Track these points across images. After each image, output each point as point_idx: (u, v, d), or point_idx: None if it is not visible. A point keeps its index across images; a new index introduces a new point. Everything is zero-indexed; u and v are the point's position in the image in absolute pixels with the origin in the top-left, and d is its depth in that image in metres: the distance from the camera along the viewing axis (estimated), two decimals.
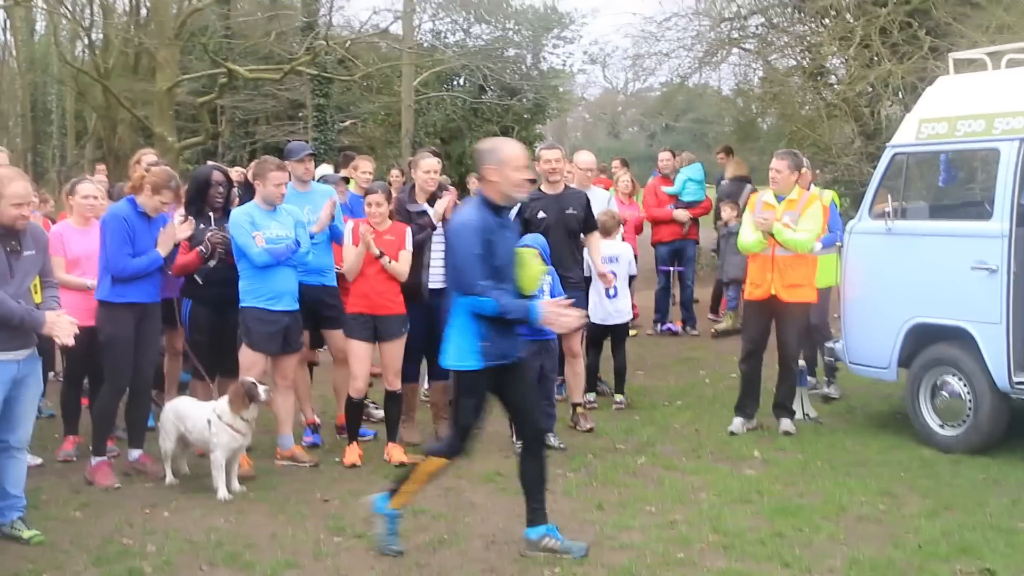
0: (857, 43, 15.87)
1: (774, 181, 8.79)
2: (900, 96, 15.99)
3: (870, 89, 16.32)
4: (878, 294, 8.60)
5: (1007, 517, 6.70)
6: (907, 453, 8.20)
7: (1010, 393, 7.88)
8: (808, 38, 18.51)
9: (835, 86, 17.97)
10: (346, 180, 9.81)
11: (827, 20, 17.95)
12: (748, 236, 8.75)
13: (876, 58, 15.63)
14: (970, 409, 8.09)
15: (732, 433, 8.81)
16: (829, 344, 9.36)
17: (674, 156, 14.61)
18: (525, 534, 6.23)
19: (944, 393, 8.26)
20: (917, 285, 8.30)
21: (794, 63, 19.48)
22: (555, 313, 5.94)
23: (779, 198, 8.74)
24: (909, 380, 8.51)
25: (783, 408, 8.94)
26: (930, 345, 8.35)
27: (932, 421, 8.35)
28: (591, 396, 9.74)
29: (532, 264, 6.18)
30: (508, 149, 6.03)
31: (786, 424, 8.84)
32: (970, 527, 6.53)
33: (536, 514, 6.22)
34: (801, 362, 9.13)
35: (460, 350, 5.98)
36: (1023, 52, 8.48)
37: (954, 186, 10.17)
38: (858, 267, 8.79)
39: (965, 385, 8.10)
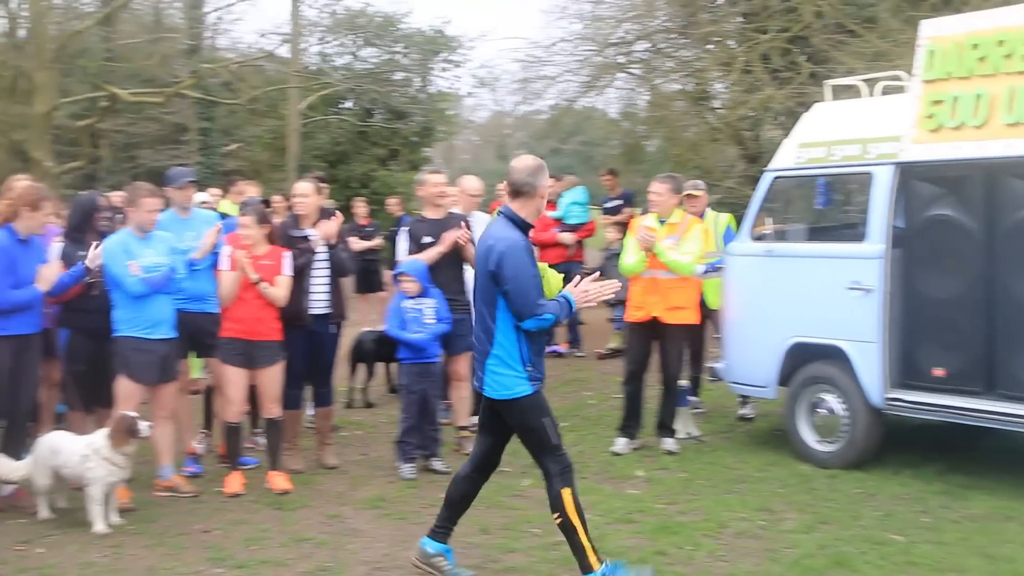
0: (739, 69, 16.19)
1: (654, 204, 8.92)
2: (780, 121, 16.36)
3: (752, 113, 16.65)
4: (758, 314, 8.77)
5: (880, 529, 6.88)
6: (786, 469, 8.37)
7: (884, 409, 8.09)
8: (692, 63, 18.83)
9: (718, 110, 18.30)
10: (266, 203, 9.67)
11: (710, 46, 18.28)
12: (630, 258, 8.86)
13: (757, 83, 15.95)
14: (846, 425, 8.27)
15: (615, 453, 8.88)
16: (710, 364, 9.50)
17: (556, 180, 14.71)
18: (422, 543, 6.22)
19: (821, 410, 8.45)
20: (796, 305, 8.49)
21: (679, 87, 19.79)
22: (585, 293, 5.90)
23: (661, 221, 8.87)
24: (788, 398, 8.69)
25: (665, 428, 9.05)
26: (808, 364, 8.54)
27: (810, 437, 8.53)
28: (476, 419, 9.70)
29: (550, 276, 6.07)
30: (546, 171, 6.05)
31: (668, 443, 8.96)
32: (845, 540, 6.70)
33: (443, 532, 6.21)
34: (683, 382, 9.25)
35: (507, 378, 5.83)
36: (897, 80, 8.72)
37: (831, 209, 10.41)
38: (739, 288, 8.95)
39: (842, 402, 8.29)
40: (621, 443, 8.98)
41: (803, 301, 8.43)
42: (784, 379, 8.68)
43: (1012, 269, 7.51)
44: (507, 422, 6.01)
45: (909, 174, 7.98)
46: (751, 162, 17.25)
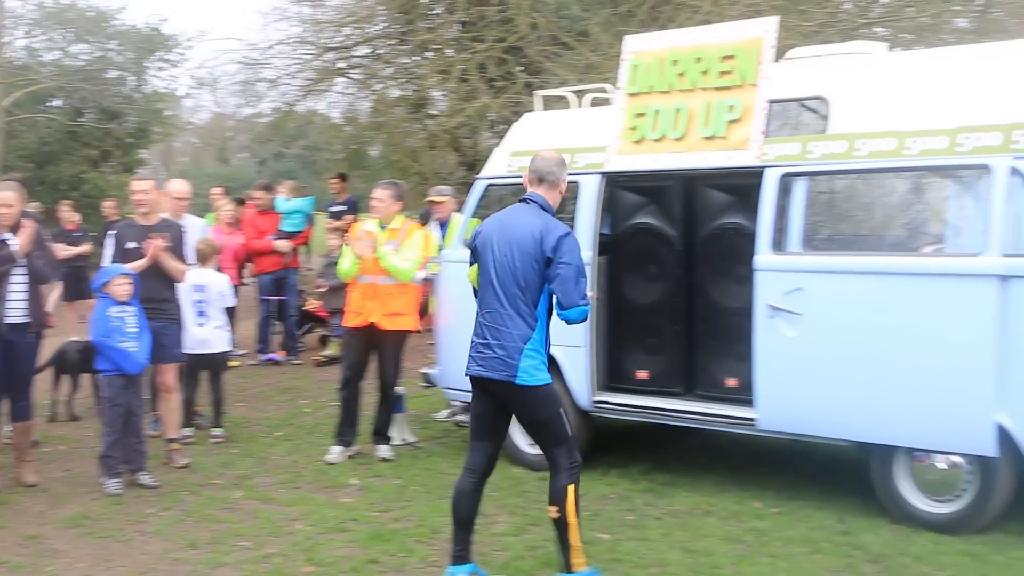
0: (456, 77, 16.37)
1: (376, 210, 8.92)
2: (498, 129, 16.63)
3: (469, 121, 16.85)
4: (470, 320, 8.82)
5: (588, 529, 6.99)
6: (499, 473, 8.34)
7: (592, 412, 8.33)
8: (412, 70, 18.90)
9: (437, 117, 18.44)
10: None
11: (429, 53, 18.40)
12: (347, 262, 8.82)
13: (474, 92, 16.15)
14: None
15: (328, 463, 8.81)
16: (424, 370, 9.54)
17: (268, 190, 14.48)
18: (448, 573, 6.08)
19: None
20: None
21: (399, 93, 19.83)
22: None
23: (382, 227, 8.87)
24: None
25: (381, 435, 9.04)
26: None
27: (521, 441, 8.66)
28: (187, 431, 9.46)
29: None
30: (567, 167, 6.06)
31: (384, 450, 8.95)
32: (554, 541, 6.79)
33: (464, 552, 6.09)
34: (400, 388, 9.26)
35: (541, 365, 5.81)
36: (604, 92, 9.00)
37: None
38: (452, 294, 9.02)
39: None
40: (335, 452, 8.92)
41: None
42: None
43: (709, 276, 7.89)
44: (519, 412, 5.95)
45: (614, 183, 8.26)
46: (469, 169, 17.45)
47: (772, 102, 7.48)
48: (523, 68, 16.24)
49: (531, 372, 5.77)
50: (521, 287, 5.79)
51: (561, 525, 5.84)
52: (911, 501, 6.96)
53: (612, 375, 8.36)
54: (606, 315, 8.32)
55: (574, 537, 5.84)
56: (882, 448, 7.02)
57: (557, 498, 5.84)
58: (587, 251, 8.11)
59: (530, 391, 5.80)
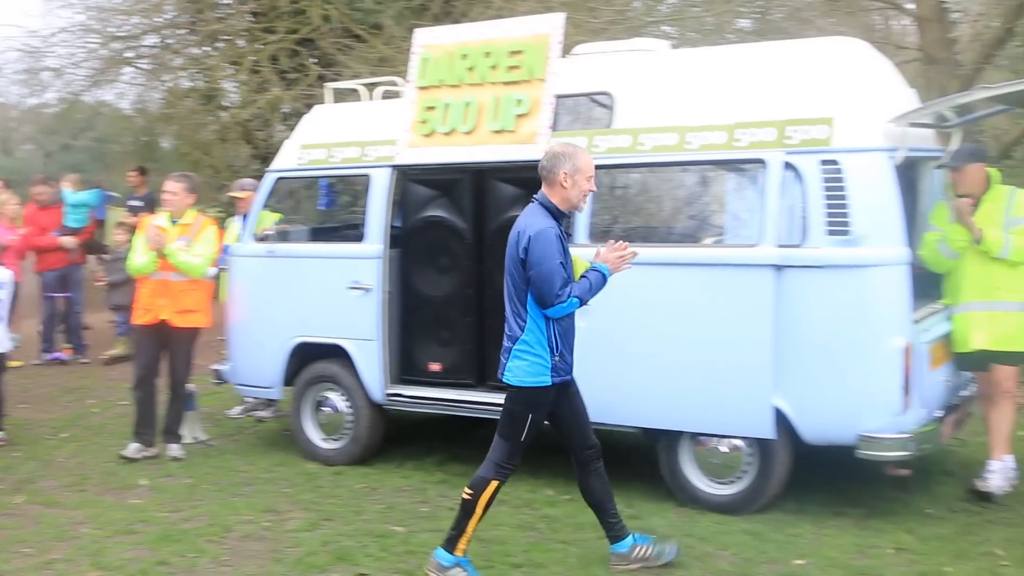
0: (248, 68, 16.08)
1: (168, 203, 8.71)
2: (290, 122, 16.39)
3: (261, 113, 16.59)
4: (262, 315, 8.74)
5: (381, 522, 7.08)
6: (293, 469, 8.42)
7: (385, 405, 8.34)
8: (202, 60, 18.48)
9: (229, 109, 18.08)
10: None
11: (220, 44, 18.02)
12: (139, 259, 8.59)
13: (266, 84, 15.90)
14: (350, 422, 8.45)
15: (125, 457, 8.60)
16: (215, 366, 9.37)
17: (49, 184, 13.95)
18: (612, 549, 6.18)
19: (326, 408, 8.56)
20: (299, 305, 8.54)
21: (190, 84, 19.35)
22: (618, 259, 5.88)
23: (173, 221, 8.67)
24: (293, 398, 8.73)
25: (171, 433, 8.85)
26: (313, 363, 8.62)
27: (316, 436, 8.63)
28: None
29: (581, 265, 5.94)
30: (584, 158, 5.86)
31: (174, 449, 8.76)
32: (348, 535, 6.83)
33: (615, 527, 6.16)
34: (190, 386, 9.07)
35: (532, 365, 5.78)
36: (395, 85, 8.99)
37: (335, 210, 10.60)
38: (243, 289, 8.89)
39: (345, 400, 8.45)
40: (133, 448, 8.71)
41: (306, 301, 8.49)
42: (289, 379, 8.71)
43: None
44: (506, 402, 5.96)
45: (405, 176, 8.28)
46: (263, 162, 17.13)
47: (559, 97, 7.61)
48: (316, 60, 16.05)
49: (516, 371, 5.84)
50: (511, 288, 5.86)
51: (467, 508, 5.94)
52: (695, 484, 7.20)
53: (405, 368, 8.37)
54: (398, 308, 8.33)
55: (471, 525, 5.95)
56: (667, 434, 7.23)
57: (476, 484, 5.94)
58: (378, 244, 8.14)
59: (514, 389, 5.89)
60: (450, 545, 5.97)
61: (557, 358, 5.83)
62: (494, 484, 5.93)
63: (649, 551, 6.16)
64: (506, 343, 5.90)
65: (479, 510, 5.93)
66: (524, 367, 5.81)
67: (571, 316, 5.89)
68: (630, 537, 6.20)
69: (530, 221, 5.79)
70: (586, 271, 5.88)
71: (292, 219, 10.07)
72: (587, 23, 12.75)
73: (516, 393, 5.90)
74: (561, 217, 5.89)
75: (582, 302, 5.78)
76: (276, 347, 8.61)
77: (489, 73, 7.80)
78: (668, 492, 7.31)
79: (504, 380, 5.92)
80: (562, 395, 5.99)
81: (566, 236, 5.89)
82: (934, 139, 7.73)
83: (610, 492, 6.21)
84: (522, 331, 5.81)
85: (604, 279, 5.85)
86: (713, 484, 7.17)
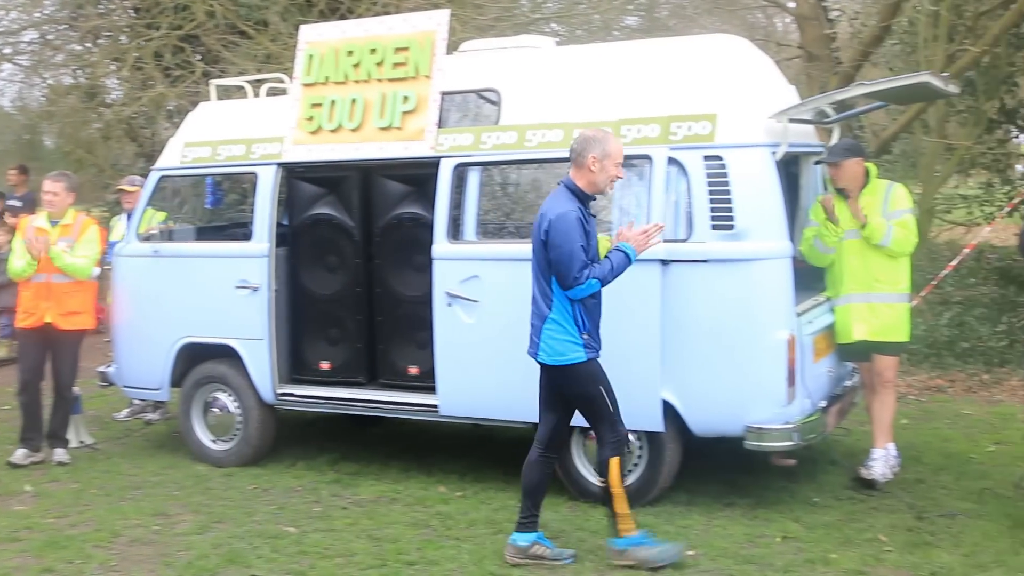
0: (131, 65, 15.79)
1: (49, 204, 8.53)
2: (176, 120, 16.13)
3: (145, 111, 16.32)
4: (148, 316, 8.60)
5: (273, 523, 7.02)
6: (183, 471, 8.30)
7: (276, 405, 8.27)
8: (83, 57, 18.10)
9: (112, 106, 17.74)
10: None
11: (101, 40, 17.66)
12: (18, 262, 8.39)
13: (151, 81, 15.64)
14: (240, 423, 8.36)
15: (13, 463, 8.43)
16: (101, 368, 9.19)
17: None
18: (511, 539, 6.25)
19: (215, 409, 8.46)
20: (186, 305, 8.41)
21: (72, 81, 18.94)
22: (643, 236, 5.96)
23: (53, 222, 8.49)
24: (182, 399, 8.61)
25: (57, 438, 8.67)
26: (201, 363, 8.51)
27: (205, 437, 8.52)
28: None
29: (604, 246, 6.10)
30: (614, 143, 6.00)
31: (60, 454, 8.59)
32: (239, 537, 6.77)
33: (530, 521, 6.22)
34: (76, 389, 8.89)
35: (563, 344, 5.94)
36: (281, 82, 8.90)
37: (222, 208, 10.48)
38: (127, 290, 8.73)
39: (234, 400, 8.35)
40: (20, 454, 8.53)
41: (193, 301, 8.37)
42: (177, 380, 8.59)
43: (388, 265, 7.95)
44: (562, 390, 6.07)
45: (292, 174, 8.21)
46: (148, 160, 16.83)
47: (447, 94, 7.61)
48: (201, 57, 15.81)
49: (550, 351, 5.98)
50: (537, 269, 6.04)
51: (606, 495, 6.07)
52: (587, 478, 7.24)
53: (295, 367, 8.30)
54: (287, 307, 8.26)
55: (620, 506, 6.04)
56: None
57: (601, 471, 6.08)
58: (265, 243, 8.07)
59: (554, 369, 6.03)
60: (615, 531, 6.11)
61: (586, 336, 5.99)
62: (615, 460, 6.04)
63: (547, 552, 6.23)
64: (534, 321, 6.08)
65: (618, 490, 6.04)
66: (557, 347, 5.98)
67: (596, 295, 6.01)
68: (533, 534, 6.25)
69: (553, 204, 5.97)
70: (609, 251, 6.00)
71: (178, 218, 9.92)
72: (474, 20, 12.79)
73: (561, 374, 6.05)
74: (587, 200, 6.02)
75: (603, 283, 5.91)
76: (163, 348, 8.48)
77: (375, 70, 7.78)
78: (561, 487, 7.35)
79: (538, 360, 6.09)
80: None
81: (589, 219, 6.01)
82: (814, 135, 7.90)
83: (546, 488, 6.33)
84: (549, 310, 5.98)
85: (628, 259, 5.95)
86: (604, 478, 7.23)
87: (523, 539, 6.23)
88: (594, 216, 6.11)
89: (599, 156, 5.92)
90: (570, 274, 5.81)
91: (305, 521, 7.07)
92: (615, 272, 5.92)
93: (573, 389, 6.10)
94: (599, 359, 6.09)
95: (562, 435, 6.42)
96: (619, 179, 6.14)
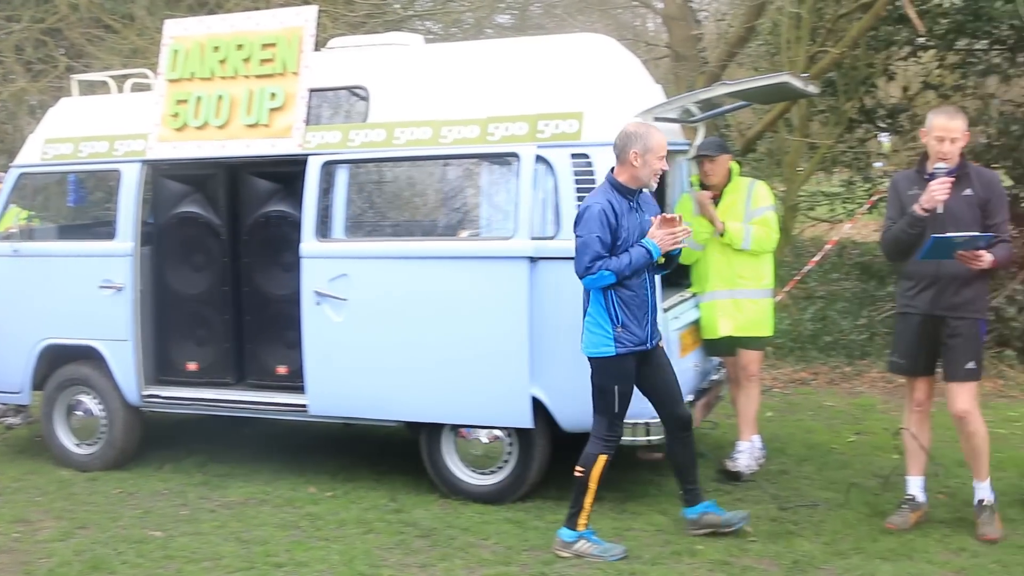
0: None
1: None
2: (39, 115, 15.72)
3: (6, 106, 15.88)
4: (8, 317, 8.35)
5: (139, 527, 6.89)
6: (45, 477, 8.11)
7: (142, 407, 8.12)
8: None
9: None
10: None
11: None
12: None
13: (11, 75, 15.22)
14: (104, 426, 8.19)
15: None
16: None
17: None
18: (684, 513, 6.51)
19: (79, 412, 8.27)
20: (48, 306, 8.20)
21: None
22: (668, 235, 5.99)
23: None
24: (44, 402, 8.40)
25: None
26: (64, 366, 8.31)
27: (68, 441, 8.33)
28: None
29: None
30: (656, 138, 6.02)
31: None
32: (103, 542, 6.63)
33: (692, 494, 6.45)
34: None
35: (595, 336, 6.07)
36: (146, 77, 8.73)
37: (85, 207, 10.23)
38: None
39: (99, 403, 8.18)
40: None
41: (55, 301, 8.15)
42: (39, 383, 8.38)
43: (256, 264, 7.87)
44: (591, 378, 6.19)
45: (157, 172, 8.07)
46: (10, 157, 16.42)
47: (315, 91, 7.56)
48: (64, 51, 15.44)
49: (586, 343, 6.17)
50: (575, 263, 6.14)
51: (580, 485, 6.19)
52: (458, 475, 7.27)
53: (161, 368, 8.16)
54: (152, 307, 8.11)
55: (587, 500, 6.20)
56: (429, 427, 7.28)
57: (585, 461, 6.20)
58: (129, 241, 7.92)
59: (591, 360, 6.17)
60: (571, 522, 6.24)
61: (619, 329, 6.06)
62: (602, 458, 6.18)
63: (717, 518, 6.46)
64: (584, 314, 6.21)
65: (592, 485, 6.17)
66: (590, 338, 6.14)
67: (640, 287, 6.10)
68: (701, 505, 6.50)
69: (589, 197, 6.15)
70: (630, 246, 6.06)
71: (43, 216, 9.66)
72: (345, 16, 12.70)
73: (592, 364, 6.19)
74: (629, 193, 6.09)
75: (617, 276, 5.97)
76: (23, 350, 8.26)
77: (242, 66, 7.68)
78: (432, 484, 7.37)
79: (583, 351, 6.22)
80: (646, 366, 6.25)
81: (632, 213, 6.08)
82: (680, 133, 8.03)
83: (694, 461, 6.50)
84: (588, 304, 6.14)
85: (648, 255, 6.00)
86: (475, 475, 7.26)
87: (693, 511, 6.51)
88: (641, 211, 6.17)
89: (640, 151, 6.00)
90: (582, 263, 5.98)
91: (172, 525, 6.96)
92: (633, 267, 5.98)
93: (594, 378, 6.21)
94: (650, 350, 6.23)
95: (676, 412, 6.41)
96: (664, 171, 6.19)
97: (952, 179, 6.14)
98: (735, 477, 7.57)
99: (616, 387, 6.15)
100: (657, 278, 6.33)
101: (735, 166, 7.68)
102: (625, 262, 5.97)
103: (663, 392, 6.36)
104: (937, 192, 6.07)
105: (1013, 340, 10.62)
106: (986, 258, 6.07)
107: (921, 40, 11.95)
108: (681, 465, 6.48)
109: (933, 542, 6.30)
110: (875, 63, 12.11)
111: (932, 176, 6.13)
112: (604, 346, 6.09)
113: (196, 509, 7.29)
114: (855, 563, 6.04)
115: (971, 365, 6.31)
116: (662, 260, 6.14)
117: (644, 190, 6.19)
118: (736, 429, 7.85)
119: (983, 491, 6.48)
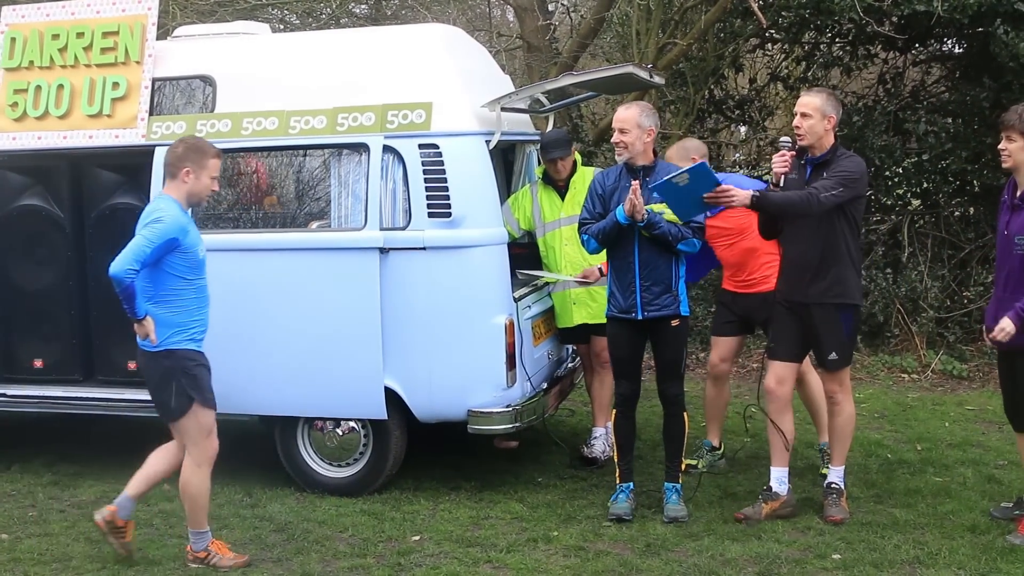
0: None
1: None
2: None
3: None
4: None
5: None
6: None
7: None
8: None
9: None
10: None
11: None
12: None
13: None
14: None
15: None
16: None
17: None
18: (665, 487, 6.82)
19: None
20: None
21: None
22: (633, 202, 6.24)
23: None
24: None
25: None
26: None
27: None
28: None
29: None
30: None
31: None
32: None
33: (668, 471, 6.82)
34: None
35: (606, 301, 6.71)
36: None
37: None
38: None
39: None
40: None
41: None
42: None
43: (103, 257, 7.65)
44: None
45: None
46: None
47: (160, 80, 7.43)
48: None
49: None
50: None
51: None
52: (313, 468, 7.25)
53: (6, 365, 7.92)
54: None
55: (615, 456, 6.86)
56: (283, 420, 7.23)
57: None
58: None
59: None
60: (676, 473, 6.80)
61: (610, 299, 6.64)
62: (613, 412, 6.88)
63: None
64: None
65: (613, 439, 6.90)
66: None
67: (623, 258, 6.51)
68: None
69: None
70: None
71: None
72: (194, 4, 12.47)
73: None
74: (637, 172, 6.50)
75: (596, 240, 6.52)
76: None
77: (83, 55, 7.51)
78: (287, 478, 7.32)
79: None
80: (656, 340, 6.65)
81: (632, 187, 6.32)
82: (529, 123, 8.10)
83: (672, 437, 6.77)
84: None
85: (613, 218, 6.37)
86: (330, 467, 7.25)
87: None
88: (646, 186, 6.41)
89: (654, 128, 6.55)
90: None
91: (19, 527, 6.82)
92: (603, 231, 6.46)
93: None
94: (650, 323, 6.54)
95: (660, 383, 6.80)
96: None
97: (792, 152, 6.33)
98: (591, 463, 7.69)
99: (611, 350, 6.80)
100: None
101: (578, 156, 7.77)
102: (599, 227, 6.46)
103: (658, 367, 6.77)
104: (775, 165, 6.29)
105: (860, 324, 10.92)
106: (737, 193, 6.19)
107: (769, 33, 12.22)
108: (665, 437, 6.83)
109: (781, 522, 6.50)
110: (724, 55, 12.35)
111: (774, 146, 6.40)
112: (607, 309, 6.70)
113: (45, 510, 7.15)
114: (706, 544, 6.20)
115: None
116: (646, 234, 6.40)
117: (658, 169, 6.55)
118: (591, 416, 7.95)
119: (835, 475, 6.69)
